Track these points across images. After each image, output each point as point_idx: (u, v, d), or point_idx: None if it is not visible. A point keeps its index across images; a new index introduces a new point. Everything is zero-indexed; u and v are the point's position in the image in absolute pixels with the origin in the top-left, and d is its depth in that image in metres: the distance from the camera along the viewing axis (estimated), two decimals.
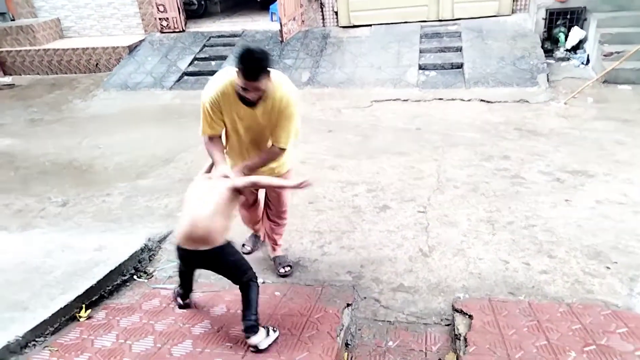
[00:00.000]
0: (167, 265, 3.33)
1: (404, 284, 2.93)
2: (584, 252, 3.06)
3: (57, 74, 9.52)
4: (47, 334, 2.48)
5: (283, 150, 2.70)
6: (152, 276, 3.22)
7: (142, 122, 6.71)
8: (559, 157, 4.51)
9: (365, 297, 2.83)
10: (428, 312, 2.66)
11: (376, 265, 3.15)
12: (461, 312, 2.53)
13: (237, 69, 2.30)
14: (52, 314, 2.51)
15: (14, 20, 10.12)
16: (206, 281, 3.11)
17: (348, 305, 2.69)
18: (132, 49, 9.18)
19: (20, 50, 9.53)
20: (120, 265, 3.12)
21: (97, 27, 10.11)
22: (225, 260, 2.34)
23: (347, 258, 3.24)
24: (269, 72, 2.37)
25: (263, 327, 2.35)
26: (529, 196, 3.85)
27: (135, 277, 3.18)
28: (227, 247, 2.31)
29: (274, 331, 2.39)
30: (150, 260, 3.40)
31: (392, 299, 2.80)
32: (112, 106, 7.61)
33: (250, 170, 2.63)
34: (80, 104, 7.84)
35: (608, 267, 2.88)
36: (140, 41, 9.38)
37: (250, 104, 2.47)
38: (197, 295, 2.91)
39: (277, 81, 2.52)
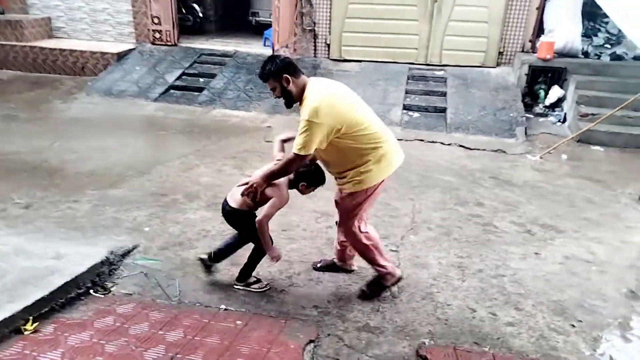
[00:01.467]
0: (127, 282, 3.19)
1: (370, 323, 2.87)
2: (550, 307, 3.07)
3: (40, 72, 9.33)
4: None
5: (295, 155, 2.66)
6: (110, 292, 3.07)
7: (121, 131, 6.59)
8: (531, 210, 4.58)
9: (329, 334, 2.75)
10: (392, 356, 2.59)
11: (344, 301, 3.08)
12: (425, 359, 2.47)
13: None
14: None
15: (3, 14, 9.95)
16: (165, 302, 2.99)
17: (311, 341, 2.61)
18: (121, 56, 9.10)
19: (5, 45, 9.33)
20: (77, 277, 2.98)
21: (89, 30, 10.02)
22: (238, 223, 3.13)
23: (315, 291, 3.17)
24: (279, 75, 2.70)
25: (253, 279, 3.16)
26: (499, 245, 3.88)
27: (91, 291, 3.04)
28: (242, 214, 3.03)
29: (265, 286, 3.16)
30: (110, 274, 3.26)
31: (356, 339, 2.73)
32: (92, 111, 7.47)
33: (267, 177, 2.81)
34: (60, 105, 7.66)
35: (573, 325, 2.89)
36: (131, 50, 9.32)
37: (286, 105, 2.82)
38: (153, 316, 2.79)
39: (309, 89, 2.71)
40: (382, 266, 3.04)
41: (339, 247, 3.30)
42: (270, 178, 2.79)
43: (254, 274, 3.18)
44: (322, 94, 2.64)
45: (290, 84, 2.70)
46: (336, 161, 2.84)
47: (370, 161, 2.73)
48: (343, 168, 2.82)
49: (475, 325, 2.87)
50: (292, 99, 2.76)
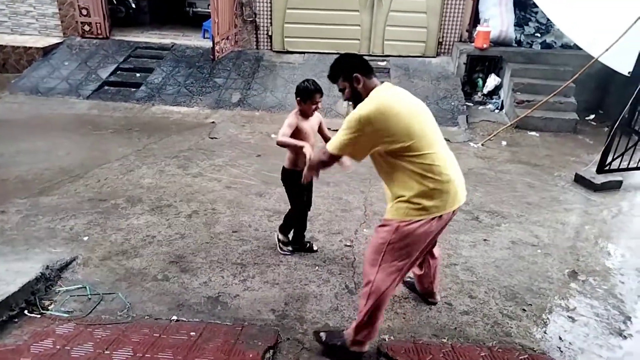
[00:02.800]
0: (65, 299, 2.95)
1: (329, 323, 2.82)
2: (502, 292, 3.16)
3: None
4: None
5: (329, 154, 2.38)
6: (47, 311, 2.82)
7: (52, 132, 6.11)
8: (477, 197, 4.72)
9: (288, 338, 2.67)
10: None
11: (301, 302, 3.01)
12: (386, 356, 2.46)
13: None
14: None
15: None
16: (111, 317, 2.78)
17: (269, 348, 2.52)
18: (47, 51, 8.44)
19: None
20: (7, 297, 2.71)
21: (8, 23, 9.21)
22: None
23: (271, 294, 3.08)
24: (350, 74, 2.40)
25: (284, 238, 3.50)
26: (450, 234, 3.95)
27: (26, 312, 2.77)
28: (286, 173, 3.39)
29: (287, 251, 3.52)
30: (46, 291, 3.00)
31: (315, 341, 2.66)
32: (18, 111, 6.88)
33: (310, 168, 2.66)
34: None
35: (524, 309, 2.99)
36: (58, 44, 8.66)
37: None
38: (98, 334, 2.58)
39: (375, 91, 2.36)
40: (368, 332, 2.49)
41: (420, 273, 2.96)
42: (312, 169, 2.64)
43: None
44: (380, 100, 2.25)
45: (360, 85, 2.38)
46: (388, 181, 2.52)
47: (418, 193, 2.26)
48: (394, 193, 2.43)
49: (433, 317, 2.90)
50: (361, 102, 2.34)
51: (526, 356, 2.48)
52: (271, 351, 2.51)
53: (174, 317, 2.81)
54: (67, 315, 2.79)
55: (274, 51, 8.70)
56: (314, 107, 3.34)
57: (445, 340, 2.67)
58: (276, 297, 3.04)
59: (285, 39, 8.66)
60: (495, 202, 4.60)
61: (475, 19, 8.35)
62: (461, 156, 5.89)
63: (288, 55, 8.57)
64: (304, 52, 8.59)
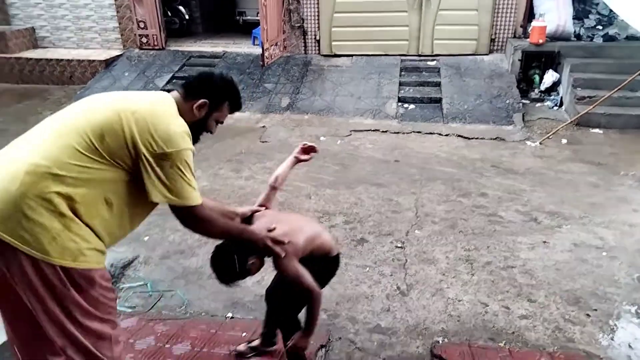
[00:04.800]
0: (129, 295, 3.11)
1: (381, 324, 2.80)
2: (563, 297, 3.01)
3: (28, 84, 9.16)
4: None
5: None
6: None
7: None
8: (535, 197, 4.52)
9: (340, 338, 2.68)
10: (406, 357, 2.53)
11: (352, 303, 3.01)
12: (440, 358, 2.41)
13: (223, 100, 1.87)
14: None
15: None
16: (170, 313, 2.90)
17: (322, 346, 2.53)
18: (108, 63, 8.95)
19: None
20: None
21: (74, 39, 9.86)
22: None
23: (322, 294, 3.09)
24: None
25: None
26: (506, 236, 3.81)
27: None
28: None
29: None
30: None
31: (368, 341, 2.66)
32: None
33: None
34: (50, 116, 7.51)
35: (588, 315, 2.83)
36: (118, 56, 9.17)
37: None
38: (159, 329, 2.70)
39: None
40: None
41: None
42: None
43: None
44: None
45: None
46: None
47: None
48: None
49: (489, 320, 2.81)
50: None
51: None
52: (323, 350, 2.53)
53: (229, 315, 2.89)
54: (130, 310, 2.94)
55: (322, 55, 8.77)
56: None
57: (502, 345, 2.58)
58: (328, 298, 3.04)
59: (333, 43, 8.70)
60: (555, 203, 4.39)
61: (529, 14, 8.03)
62: (518, 155, 5.68)
63: (336, 58, 8.61)
64: (351, 55, 8.60)
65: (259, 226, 2.01)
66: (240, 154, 5.80)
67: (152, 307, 2.98)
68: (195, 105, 1.79)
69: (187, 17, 10.61)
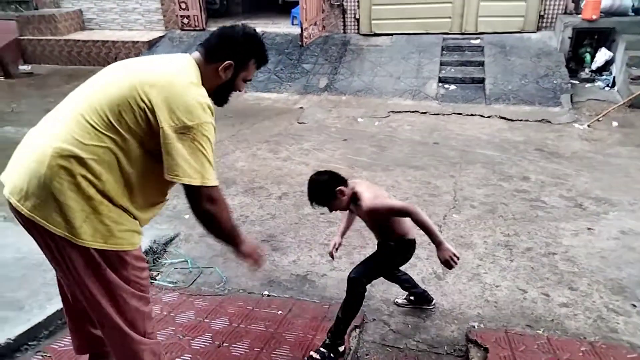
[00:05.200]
0: (170, 270, 3.24)
1: (415, 307, 2.79)
2: (607, 286, 2.90)
3: (75, 65, 9.54)
4: (42, 338, 2.39)
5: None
6: (156, 280, 3.12)
7: None
8: (581, 182, 4.34)
9: (374, 319, 2.70)
10: (440, 341, 2.52)
11: (387, 285, 3.00)
12: (476, 343, 2.38)
13: (248, 58, 1.76)
14: (48, 316, 2.42)
15: (37, 9, 10.18)
16: (209, 289, 3.01)
17: (356, 327, 2.56)
18: (151, 44, 9.17)
19: (41, 40, 9.57)
20: None
21: (119, 20, 10.13)
22: None
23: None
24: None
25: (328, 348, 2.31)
26: (549, 221, 3.69)
27: None
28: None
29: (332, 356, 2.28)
30: (154, 263, 3.31)
31: (402, 323, 2.66)
32: None
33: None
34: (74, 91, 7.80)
35: (634, 305, 2.72)
36: (160, 37, 9.37)
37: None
38: (198, 304, 2.81)
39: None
40: None
41: None
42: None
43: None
44: None
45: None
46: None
47: None
48: None
49: (527, 307, 2.75)
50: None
51: (635, 355, 2.26)
52: (357, 330, 2.55)
53: (266, 292, 2.96)
54: (172, 285, 3.07)
55: (361, 34, 8.63)
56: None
57: (540, 332, 2.53)
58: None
59: (373, 22, 8.54)
60: (602, 189, 4.20)
61: None
62: (564, 138, 5.45)
63: (375, 37, 8.46)
64: (391, 34, 8.42)
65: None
66: (278, 135, 5.85)
67: (192, 283, 3.09)
68: (220, 68, 1.70)
69: None
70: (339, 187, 2.24)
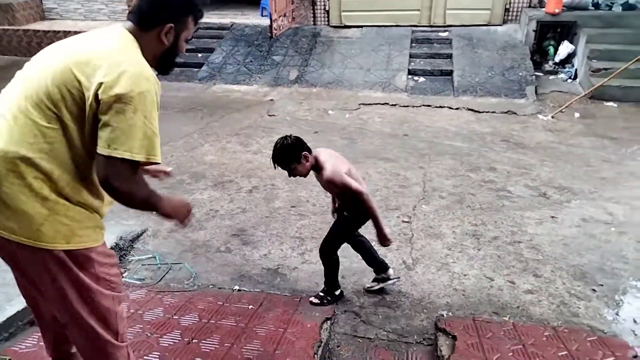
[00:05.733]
0: (137, 267, 3.16)
1: (386, 298, 2.82)
2: (569, 272, 3.00)
3: None
4: (1, 340, 2.29)
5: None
6: (123, 278, 3.04)
7: None
8: (545, 172, 4.47)
9: (345, 311, 2.71)
10: (410, 330, 2.56)
11: (358, 276, 3.03)
12: (444, 331, 2.43)
13: (186, 16, 1.66)
14: (8, 318, 2.33)
15: None
16: (178, 285, 2.95)
17: (327, 319, 2.56)
18: None
19: None
20: None
21: (81, 10, 9.79)
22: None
23: None
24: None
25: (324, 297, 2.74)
26: (514, 211, 3.79)
27: None
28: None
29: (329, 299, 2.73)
30: (121, 260, 3.23)
31: (373, 314, 2.69)
32: None
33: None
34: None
35: (594, 290, 2.82)
36: None
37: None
38: (167, 300, 2.76)
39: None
40: None
41: None
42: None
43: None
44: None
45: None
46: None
47: None
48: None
49: (494, 295, 2.82)
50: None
51: (595, 338, 2.35)
52: (329, 322, 2.56)
53: (236, 287, 2.93)
54: (139, 282, 3.00)
55: (331, 26, 8.61)
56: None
57: (506, 319, 2.59)
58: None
59: (343, 13, 8.53)
60: (565, 178, 4.34)
61: None
62: (529, 129, 5.59)
63: (345, 29, 8.45)
64: (361, 26, 8.43)
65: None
66: (248, 128, 5.78)
67: (161, 279, 3.03)
68: (161, 34, 1.59)
69: None
70: (304, 152, 2.41)
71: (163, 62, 1.67)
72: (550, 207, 3.84)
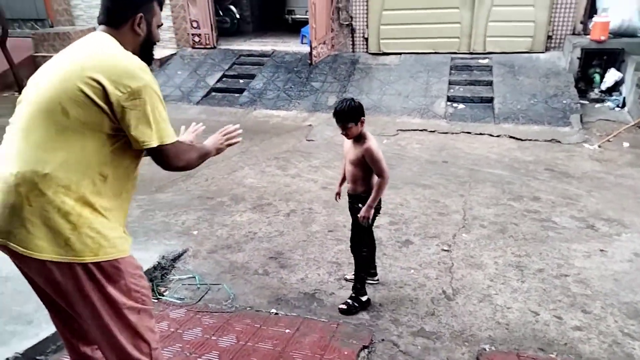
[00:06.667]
0: (178, 286, 3.22)
1: (425, 328, 2.75)
2: (622, 309, 2.85)
3: None
4: (49, 352, 2.37)
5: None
6: (163, 296, 3.10)
7: None
8: (592, 203, 4.30)
9: (383, 340, 2.66)
10: None
11: (396, 304, 2.98)
12: None
13: (151, 1, 1.71)
14: (56, 330, 2.40)
15: (52, 27, 10.40)
16: (216, 306, 2.98)
17: (364, 347, 2.52)
18: (163, 62, 9.30)
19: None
20: None
21: None
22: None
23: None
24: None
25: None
26: (560, 242, 3.65)
27: None
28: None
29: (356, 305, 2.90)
30: (162, 279, 3.30)
31: (412, 344, 2.62)
32: None
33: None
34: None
35: None
36: (172, 55, 9.51)
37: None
38: (206, 321, 2.78)
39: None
40: None
41: None
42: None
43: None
44: None
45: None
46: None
47: None
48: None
49: (539, 330, 2.70)
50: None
51: None
52: (366, 350, 2.52)
53: (273, 310, 2.93)
54: (179, 301, 3.05)
55: (369, 53, 8.72)
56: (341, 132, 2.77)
57: (553, 356, 2.47)
58: (371, 298, 3.03)
59: (381, 41, 8.63)
60: (614, 210, 4.15)
61: (591, 9, 7.62)
62: (574, 159, 5.42)
63: (384, 57, 8.53)
64: (400, 53, 8.49)
65: None
66: (287, 152, 5.87)
67: (200, 299, 3.07)
68: (134, 26, 1.65)
69: (237, 16, 10.84)
70: (363, 117, 2.68)
71: (143, 53, 1.71)
72: (599, 239, 3.67)
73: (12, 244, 1.48)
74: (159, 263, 3.35)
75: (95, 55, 1.55)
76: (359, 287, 2.91)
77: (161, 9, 1.78)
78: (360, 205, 2.79)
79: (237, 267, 3.44)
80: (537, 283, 3.14)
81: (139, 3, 1.66)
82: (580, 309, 2.87)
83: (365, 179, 2.78)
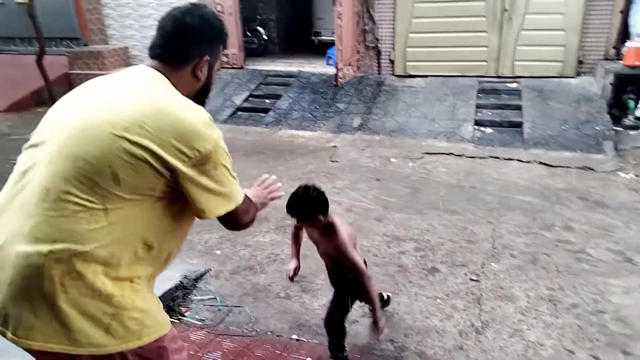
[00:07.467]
0: (199, 307, 3.18)
1: None
2: None
3: None
4: None
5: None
6: (184, 317, 3.06)
7: None
8: (629, 235, 4.11)
9: None
10: None
11: (422, 336, 2.86)
12: None
13: (218, 44, 1.49)
14: None
15: (87, 45, 10.76)
16: (237, 329, 2.92)
17: None
18: None
19: (89, 74, 10.03)
20: None
21: None
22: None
23: (391, 324, 2.97)
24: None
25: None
26: (596, 276, 3.48)
27: None
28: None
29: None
30: (184, 299, 3.26)
31: None
32: None
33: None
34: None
35: None
36: None
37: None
38: (226, 344, 2.73)
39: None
40: None
41: None
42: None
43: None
44: None
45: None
46: None
47: None
48: None
49: None
50: None
51: None
52: None
53: (294, 336, 2.86)
54: (200, 323, 3.00)
55: (395, 75, 8.70)
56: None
57: None
58: (395, 328, 2.93)
59: (407, 63, 8.62)
60: None
61: (624, 34, 7.46)
62: (609, 187, 5.22)
63: (410, 79, 8.50)
64: (426, 76, 8.45)
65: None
66: (311, 173, 5.84)
67: (221, 321, 3.01)
68: (197, 70, 1.42)
69: (265, 37, 11.03)
70: (326, 212, 2.28)
71: (199, 100, 1.43)
72: (638, 274, 3.49)
73: (40, 343, 1.20)
74: (181, 282, 3.32)
75: (151, 104, 1.26)
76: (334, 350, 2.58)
77: (224, 50, 1.54)
78: (352, 275, 2.37)
79: (258, 289, 3.38)
80: (571, 319, 2.98)
81: (208, 43, 1.43)
82: (620, 349, 2.70)
83: (349, 261, 2.36)
